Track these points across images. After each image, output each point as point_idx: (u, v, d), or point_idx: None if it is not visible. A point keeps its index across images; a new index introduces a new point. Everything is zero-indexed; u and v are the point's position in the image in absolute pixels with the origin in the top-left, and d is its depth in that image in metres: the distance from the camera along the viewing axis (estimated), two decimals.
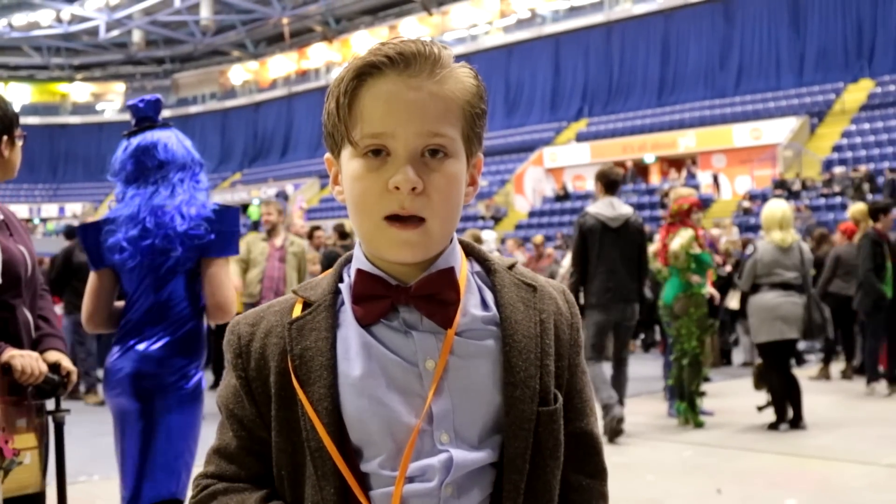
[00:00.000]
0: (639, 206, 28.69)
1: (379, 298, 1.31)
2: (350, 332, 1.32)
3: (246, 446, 1.36)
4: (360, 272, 1.34)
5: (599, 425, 1.48)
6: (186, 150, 3.48)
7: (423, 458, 1.27)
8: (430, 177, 1.26)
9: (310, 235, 11.60)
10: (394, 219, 1.26)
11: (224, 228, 3.40)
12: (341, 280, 1.38)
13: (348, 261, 1.40)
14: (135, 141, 3.46)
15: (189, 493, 3.20)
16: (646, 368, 12.74)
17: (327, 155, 1.39)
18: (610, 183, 7.98)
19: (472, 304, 1.35)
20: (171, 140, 3.46)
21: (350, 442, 1.29)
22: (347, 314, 1.33)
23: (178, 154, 3.45)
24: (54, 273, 10.04)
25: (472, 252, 1.42)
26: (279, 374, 1.32)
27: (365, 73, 1.28)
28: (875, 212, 10.28)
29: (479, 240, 11.10)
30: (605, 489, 1.46)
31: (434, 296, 1.30)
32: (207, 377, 9.22)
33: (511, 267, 1.42)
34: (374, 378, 1.28)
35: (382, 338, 1.30)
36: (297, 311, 1.36)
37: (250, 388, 1.35)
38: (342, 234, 10.66)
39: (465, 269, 1.37)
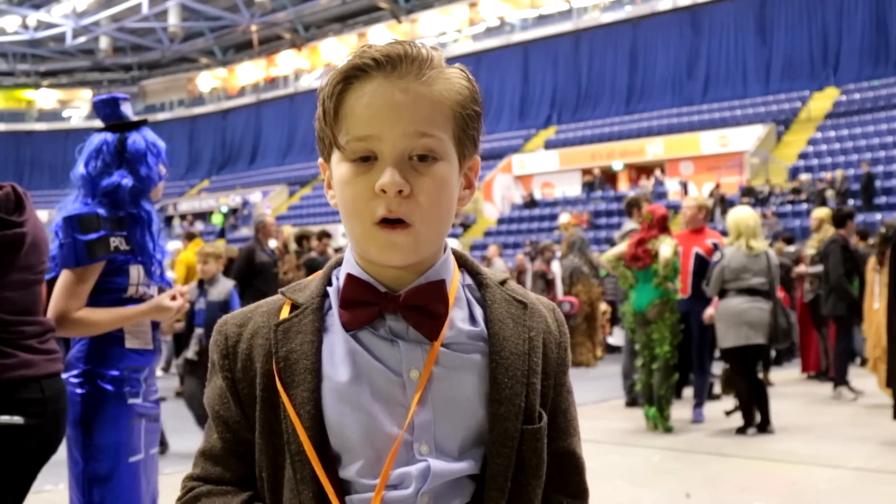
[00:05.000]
0: (607, 213, 28.91)
1: (367, 305, 1.29)
2: (336, 337, 1.30)
3: (231, 448, 1.35)
4: (349, 277, 1.32)
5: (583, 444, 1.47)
6: (81, 161, 3.35)
7: (401, 466, 1.26)
8: (417, 180, 1.24)
9: (299, 241, 11.21)
10: (383, 222, 1.24)
11: (63, 241, 3.24)
12: (330, 283, 1.37)
13: (338, 264, 1.38)
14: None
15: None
16: (614, 373, 12.78)
17: (320, 160, 1.37)
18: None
19: (460, 318, 1.33)
20: (82, 148, 3.38)
21: (330, 447, 1.28)
22: (334, 318, 1.32)
23: (75, 163, 3.36)
24: (236, 273, 9.47)
25: (464, 264, 1.41)
26: (264, 375, 1.30)
27: (351, 76, 1.26)
28: (841, 218, 10.38)
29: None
30: None
31: (422, 307, 1.29)
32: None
33: (503, 282, 1.41)
34: (358, 385, 1.26)
35: (368, 345, 1.29)
36: (285, 312, 1.34)
37: (236, 389, 1.33)
38: (300, 240, 10.52)
39: (456, 282, 1.35)
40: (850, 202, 22.49)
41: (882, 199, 23.52)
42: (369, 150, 1.24)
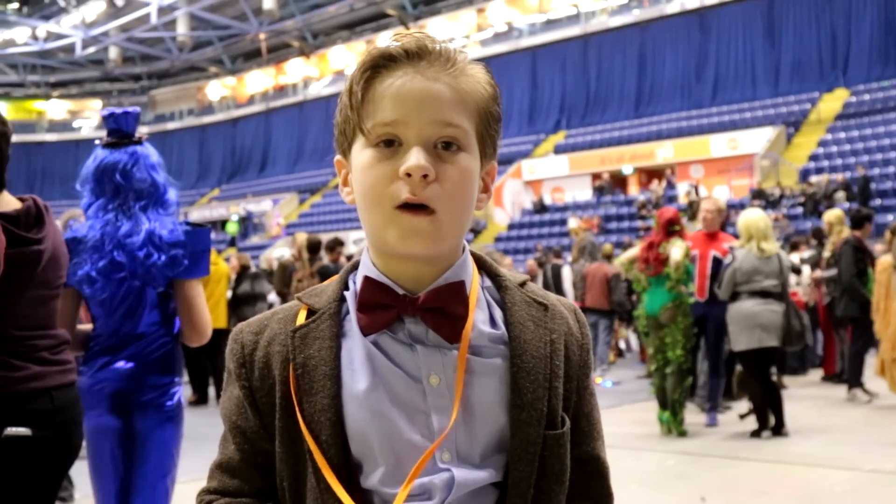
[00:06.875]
0: (617, 218, 28.87)
1: (385, 308, 1.27)
2: (354, 342, 1.28)
3: (249, 459, 1.33)
4: (366, 279, 1.30)
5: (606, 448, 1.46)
6: (148, 174, 3.37)
7: (423, 476, 1.24)
8: (442, 167, 1.23)
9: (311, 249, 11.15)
10: (405, 207, 1.22)
11: (195, 249, 3.34)
12: (347, 288, 1.34)
13: (355, 268, 1.36)
14: (101, 155, 3.39)
15: None
16: (627, 377, 12.76)
17: (337, 157, 1.35)
18: None
19: (481, 320, 1.31)
20: (134, 163, 3.36)
21: (352, 455, 1.26)
22: (352, 323, 1.30)
23: (136, 179, 3.35)
24: None
25: (483, 266, 1.38)
26: (282, 383, 1.28)
27: (380, 64, 1.25)
28: (859, 220, 10.37)
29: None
30: None
31: (442, 309, 1.26)
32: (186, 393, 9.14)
33: (523, 284, 1.38)
34: (377, 391, 1.24)
35: (387, 349, 1.27)
36: (301, 318, 1.32)
37: (254, 398, 1.31)
38: (312, 247, 10.49)
39: (475, 284, 1.33)
40: (847, 206, 22.42)
41: (893, 201, 23.44)
42: (394, 135, 1.23)
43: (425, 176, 1.21)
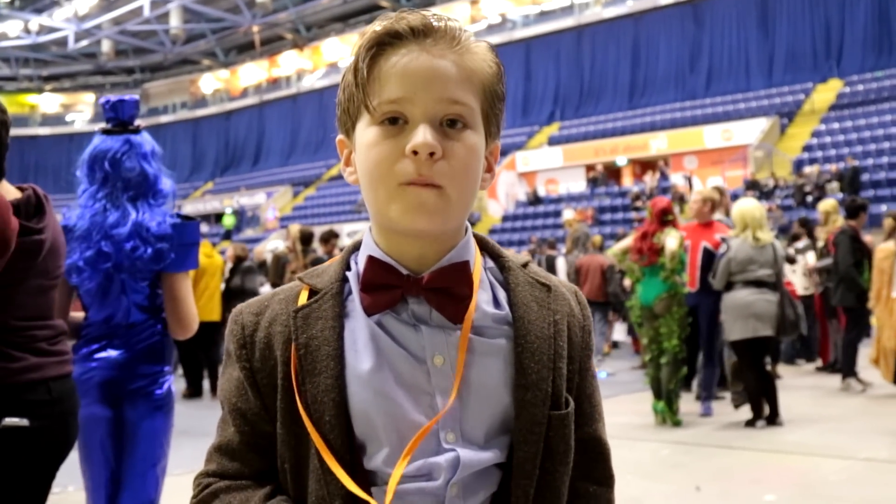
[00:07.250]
0: (611, 209, 28.87)
1: (389, 288, 1.27)
2: (357, 323, 1.28)
3: (249, 441, 1.32)
4: (370, 259, 1.29)
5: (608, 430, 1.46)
6: (138, 163, 3.34)
7: (428, 456, 1.24)
8: (449, 145, 1.23)
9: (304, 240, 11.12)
10: (410, 184, 1.21)
11: (183, 242, 3.32)
12: (349, 268, 1.34)
13: (356, 248, 1.36)
14: (96, 142, 3.38)
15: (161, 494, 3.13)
16: (622, 368, 12.77)
17: (339, 136, 1.35)
18: None
19: (485, 300, 1.31)
20: (125, 151, 3.34)
21: (355, 436, 1.25)
22: (355, 303, 1.29)
23: (125, 168, 3.33)
24: None
25: (486, 247, 1.39)
26: (284, 363, 1.28)
27: (386, 42, 1.25)
28: (854, 209, 10.38)
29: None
30: (612, 496, 1.44)
31: (446, 289, 1.26)
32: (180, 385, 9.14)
33: (525, 265, 1.39)
34: (381, 371, 1.24)
35: (391, 330, 1.27)
36: (303, 298, 1.32)
37: (255, 379, 1.31)
38: (305, 239, 10.47)
39: (478, 265, 1.33)
40: (840, 196, 22.44)
41: (885, 192, 23.45)
42: (400, 113, 1.23)
43: (432, 154, 1.20)
